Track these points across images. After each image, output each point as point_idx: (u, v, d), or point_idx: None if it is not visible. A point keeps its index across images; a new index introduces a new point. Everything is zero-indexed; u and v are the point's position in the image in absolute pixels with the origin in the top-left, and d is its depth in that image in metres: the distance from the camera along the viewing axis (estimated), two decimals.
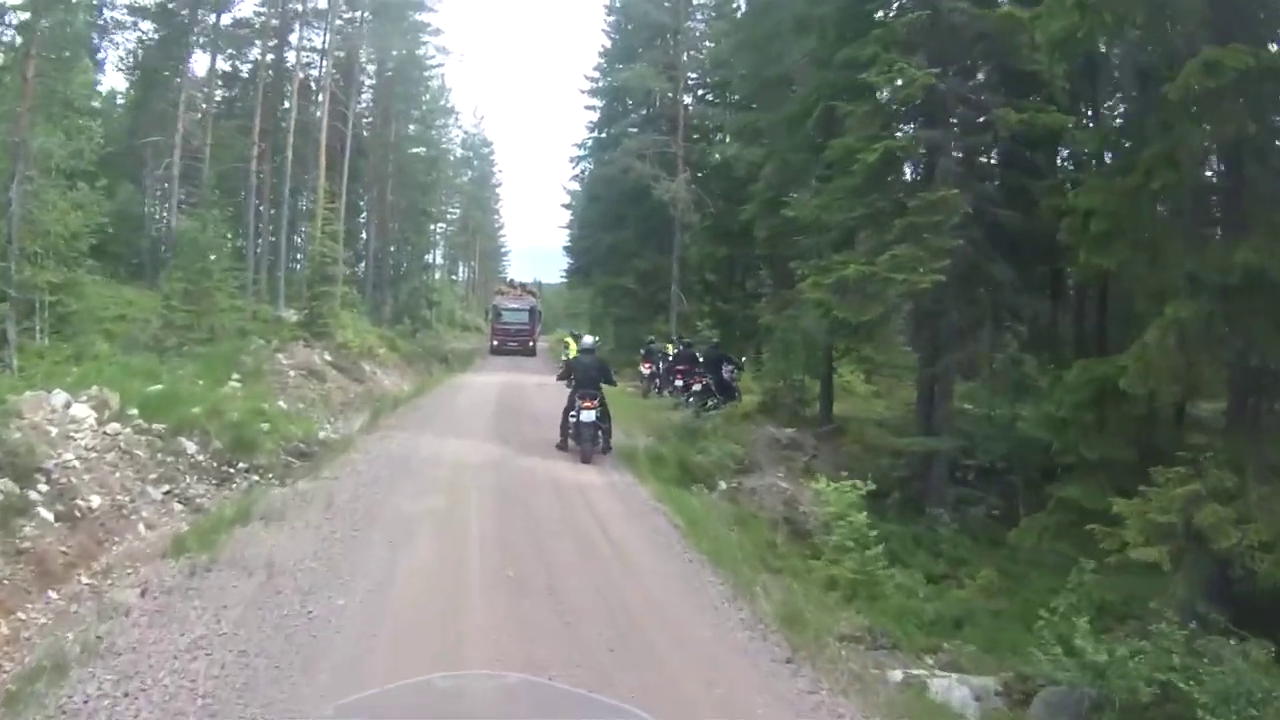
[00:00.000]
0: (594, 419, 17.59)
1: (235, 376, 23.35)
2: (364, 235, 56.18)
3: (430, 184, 61.34)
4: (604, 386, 18.54)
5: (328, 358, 30.22)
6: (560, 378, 20.94)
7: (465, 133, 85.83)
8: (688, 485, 17.23)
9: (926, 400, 22.33)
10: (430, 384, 33.21)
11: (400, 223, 59.87)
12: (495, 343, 50.99)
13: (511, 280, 62.37)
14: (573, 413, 17.80)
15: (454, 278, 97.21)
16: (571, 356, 32.59)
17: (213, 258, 31.04)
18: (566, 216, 65.47)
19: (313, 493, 13.75)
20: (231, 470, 14.98)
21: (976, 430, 20.02)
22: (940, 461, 20.01)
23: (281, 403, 22.55)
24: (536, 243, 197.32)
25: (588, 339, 21.34)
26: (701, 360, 28.52)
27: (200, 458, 14.75)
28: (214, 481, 14.41)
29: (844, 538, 13.57)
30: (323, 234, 36.86)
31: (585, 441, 17.49)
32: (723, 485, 18.26)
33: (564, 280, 78.88)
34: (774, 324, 28.67)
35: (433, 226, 71.84)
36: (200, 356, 25.47)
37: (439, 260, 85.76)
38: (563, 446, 18.09)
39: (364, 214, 55.53)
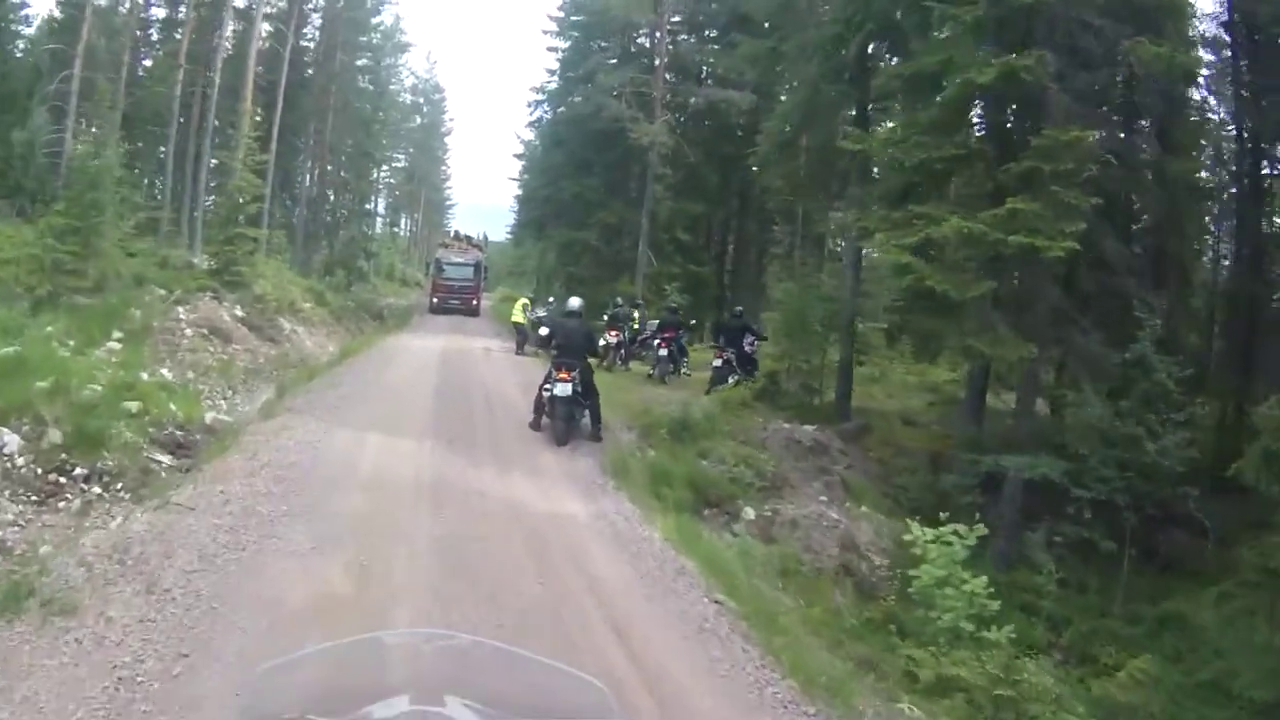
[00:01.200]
0: (570, 393, 14.56)
1: (116, 335, 19.12)
2: (302, 179, 50.58)
3: (375, 123, 56.29)
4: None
5: (238, 313, 24.66)
6: (541, 346, 19.14)
7: (416, 76, 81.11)
8: (701, 512, 12.84)
9: (976, 396, 18.01)
10: (359, 346, 27.65)
11: (341, 166, 55.02)
12: (435, 300, 45.30)
13: (456, 232, 56.69)
14: (547, 386, 14.93)
15: (396, 230, 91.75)
16: (521, 321, 27.82)
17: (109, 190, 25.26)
18: (518, 168, 58.86)
19: (142, 546, 8.38)
20: (63, 479, 10.36)
21: (1082, 445, 14.81)
22: (1014, 484, 15.25)
23: (166, 371, 17.73)
24: (482, 200, 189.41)
25: (574, 300, 17.07)
26: (723, 331, 25.24)
27: (21, 460, 10.37)
28: (33, 499, 9.83)
29: (955, 616, 9.61)
30: (243, 166, 30.76)
31: (560, 420, 14.57)
32: (749, 513, 13.30)
33: (509, 238, 75.08)
34: (787, 295, 23.45)
35: (376, 173, 67.20)
36: (79, 309, 20.68)
37: (380, 210, 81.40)
38: (535, 426, 15.20)
39: (301, 155, 49.48)
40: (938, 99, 15.38)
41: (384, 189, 77.57)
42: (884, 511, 14.78)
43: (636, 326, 27.67)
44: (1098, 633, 13.43)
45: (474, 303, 45.04)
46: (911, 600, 11.06)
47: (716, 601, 8.65)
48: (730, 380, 22.20)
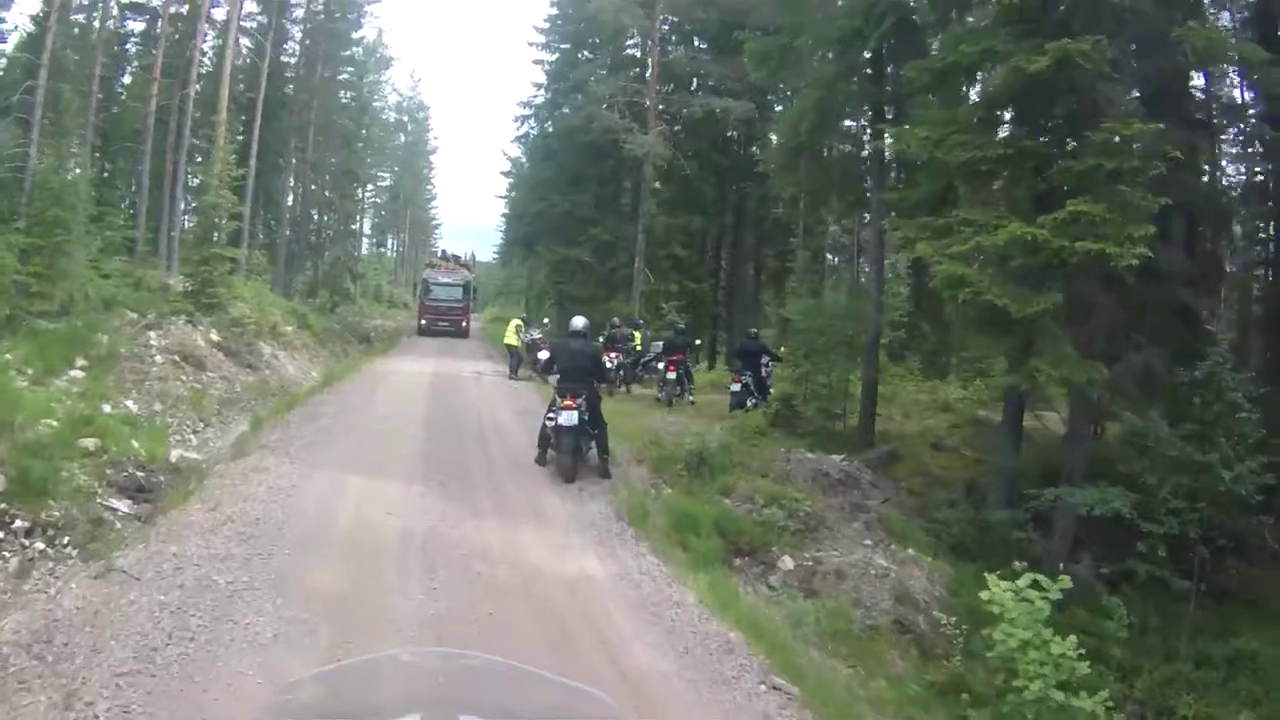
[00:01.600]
0: (576, 422, 13.09)
1: (80, 363, 17.50)
2: (284, 197, 48.48)
3: (359, 140, 54.69)
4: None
5: (214, 337, 22.81)
6: (541, 371, 17.42)
7: (400, 94, 79.66)
8: (732, 562, 11.33)
9: (1014, 419, 16.50)
10: (344, 371, 26.04)
11: (324, 184, 52.84)
12: (423, 321, 43.90)
13: (444, 252, 55.19)
14: (550, 415, 13.51)
15: (382, 250, 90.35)
16: (515, 344, 26.09)
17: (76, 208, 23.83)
18: (505, 185, 55.48)
19: (69, 633, 6.76)
20: (0, 534, 8.77)
21: (1149, 474, 13.17)
22: (1067, 518, 13.82)
23: (131, 402, 16.20)
24: (469, 220, 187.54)
25: (579, 320, 15.15)
26: (739, 353, 23.56)
27: None
28: None
29: (1043, 685, 7.88)
30: (219, 182, 28.96)
31: (565, 453, 13.20)
32: (787, 562, 11.68)
33: (496, 258, 73.17)
34: (802, 315, 21.94)
35: (361, 192, 65.61)
36: (41, 335, 18.97)
37: (366, 230, 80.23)
38: (541, 460, 13.81)
39: (283, 173, 47.58)
40: (974, 93, 13.83)
41: (370, 208, 76.23)
42: (929, 552, 13.16)
43: (639, 348, 26.06)
44: (1172, 681, 11.86)
45: (463, 324, 43.80)
46: (976, 657, 9.63)
47: (776, 688, 7.12)
48: (749, 404, 21.13)
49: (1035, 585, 8.62)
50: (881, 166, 18.98)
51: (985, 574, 9.14)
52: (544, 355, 19.20)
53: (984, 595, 8.86)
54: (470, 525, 10.45)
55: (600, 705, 2.62)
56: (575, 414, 12.94)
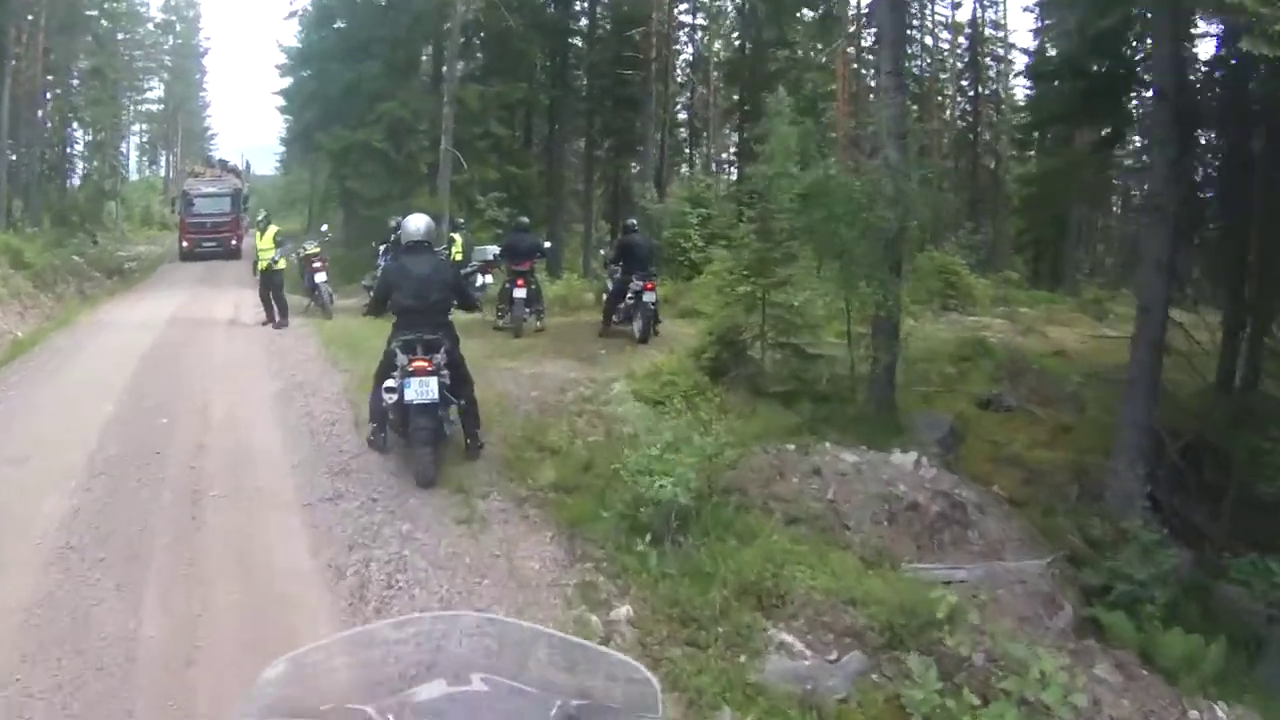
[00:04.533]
0: (435, 396, 8.22)
1: None
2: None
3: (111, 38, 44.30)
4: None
5: None
6: (371, 308, 10.85)
7: None
8: None
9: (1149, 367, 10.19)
10: (46, 331, 17.08)
11: (70, 91, 41.69)
12: (185, 244, 34.11)
13: (209, 158, 44.45)
14: (390, 384, 8.33)
15: (155, 167, 77.44)
16: (276, 267, 17.41)
17: None
18: (283, 85, 42.30)
19: None
20: None
21: None
22: None
23: None
24: (250, 137, 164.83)
25: (417, 221, 9.27)
26: (626, 253, 16.36)
27: None
28: None
29: None
30: None
31: (421, 444, 8.16)
32: None
33: (278, 170, 63.33)
34: (817, 187, 12.85)
35: (126, 103, 55.23)
36: None
37: (133, 145, 69.63)
38: (379, 445, 8.84)
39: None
40: None
41: (139, 119, 66.25)
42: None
43: (458, 256, 17.91)
44: None
45: (233, 242, 34.00)
46: None
47: None
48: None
49: None
50: None
51: None
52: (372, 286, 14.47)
53: None
54: None
55: (636, 678, 2.00)
56: (433, 381, 8.28)
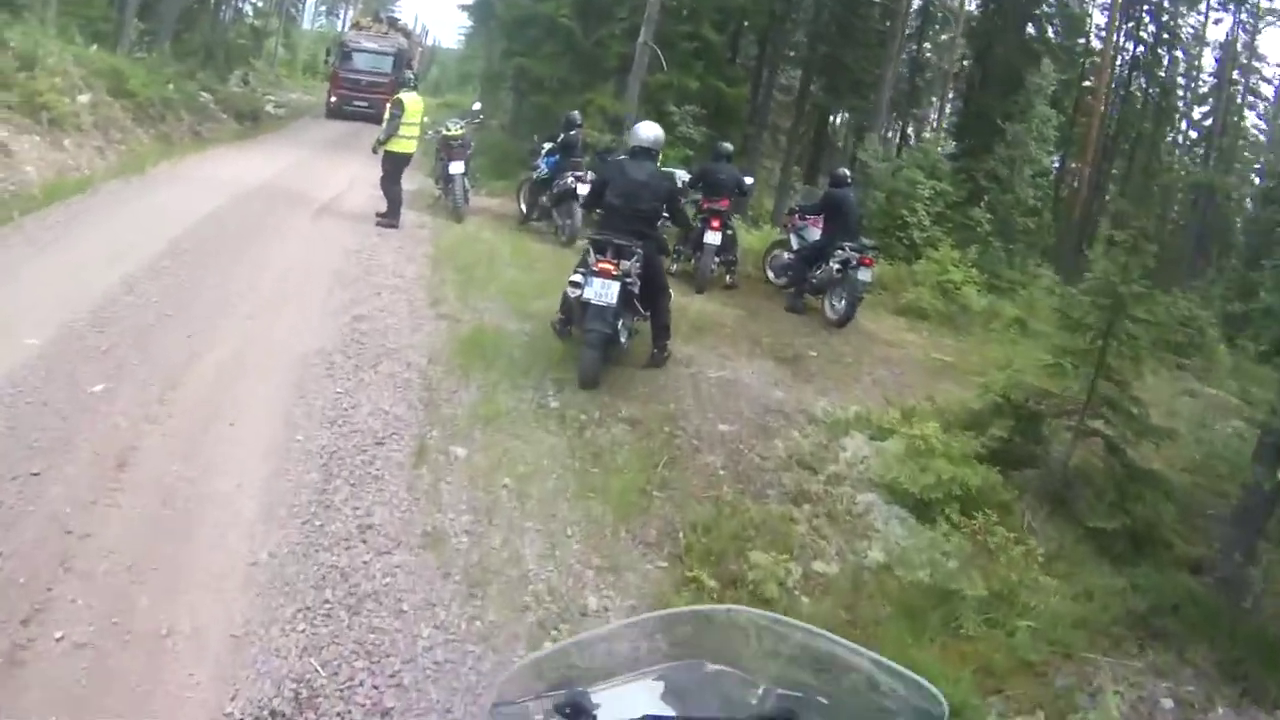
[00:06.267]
0: (614, 300, 8.17)
1: None
2: None
3: None
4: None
5: None
6: (585, 205, 10.39)
7: None
8: None
9: None
10: (122, 170, 13.98)
11: None
12: (334, 99, 30.70)
13: (377, 13, 40.76)
14: (577, 279, 8.32)
15: (332, 17, 74.58)
16: (406, 150, 13.80)
17: None
18: None
19: None
20: None
21: None
22: None
23: None
24: (437, 8, 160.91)
25: (648, 129, 9.14)
26: (848, 212, 12.71)
27: None
28: None
29: None
30: None
31: (592, 347, 8.13)
32: None
33: (459, 45, 59.44)
34: None
35: None
36: None
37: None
38: (563, 332, 8.78)
39: None
40: None
41: None
42: None
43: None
44: None
45: (386, 106, 29.62)
46: None
47: None
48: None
49: None
50: None
51: None
52: (581, 188, 12.59)
53: None
54: None
55: (925, 699, 1.94)
56: (615, 286, 8.14)
